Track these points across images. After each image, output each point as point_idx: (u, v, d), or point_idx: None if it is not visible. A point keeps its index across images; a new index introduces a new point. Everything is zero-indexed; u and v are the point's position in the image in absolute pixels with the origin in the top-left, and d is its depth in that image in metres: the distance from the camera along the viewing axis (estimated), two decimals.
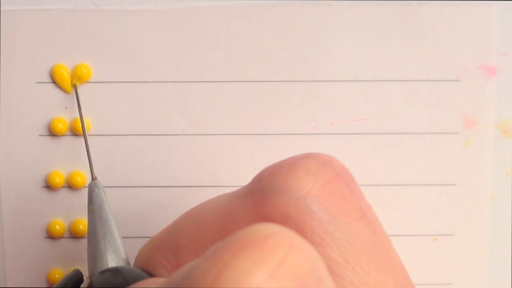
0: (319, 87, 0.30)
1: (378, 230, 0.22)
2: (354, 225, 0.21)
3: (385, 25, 0.30)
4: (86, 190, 0.27)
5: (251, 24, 0.29)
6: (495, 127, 0.30)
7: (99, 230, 0.25)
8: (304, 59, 0.30)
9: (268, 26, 0.30)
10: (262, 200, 0.21)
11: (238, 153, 0.30)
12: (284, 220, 0.21)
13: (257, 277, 0.17)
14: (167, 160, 0.30)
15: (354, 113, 0.30)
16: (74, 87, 0.30)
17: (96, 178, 0.27)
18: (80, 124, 0.29)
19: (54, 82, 0.30)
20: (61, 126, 0.30)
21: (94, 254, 0.25)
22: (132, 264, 0.25)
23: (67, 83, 0.30)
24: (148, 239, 0.25)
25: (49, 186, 0.30)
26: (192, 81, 0.30)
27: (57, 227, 0.30)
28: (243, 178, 0.29)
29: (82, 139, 0.29)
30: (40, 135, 0.30)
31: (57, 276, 0.31)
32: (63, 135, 0.30)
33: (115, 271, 0.24)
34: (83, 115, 0.29)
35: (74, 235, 0.30)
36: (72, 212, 0.30)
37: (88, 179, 0.30)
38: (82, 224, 0.30)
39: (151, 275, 0.23)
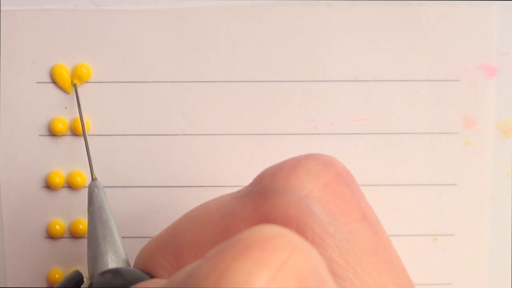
0: (319, 87, 0.30)
1: (379, 231, 0.22)
2: (355, 226, 0.21)
3: (385, 25, 0.30)
4: (86, 190, 0.27)
5: (251, 24, 0.29)
6: (495, 127, 0.30)
7: (99, 231, 0.25)
8: (304, 59, 0.30)
9: (268, 26, 0.30)
10: (263, 201, 0.21)
11: (238, 153, 0.30)
12: (285, 221, 0.21)
13: (259, 279, 0.17)
14: (167, 160, 0.30)
15: (354, 113, 0.30)
16: (74, 87, 0.30)
17: (96, 179, 0.27)
18: (80, 124, 0.29)
19: (54, 82, 0.30)
20: (61, 126, 0.30)
21: (94, 255, 0.25)
22: (132, 265, 0.25)
23: (67, 83, 0.30)
24: (148, 239, 0.25)
25: (49, 186, 0.30)
26: (192, 81, 0.30)
27: (57, 227, 0.30)
28: (243, 178, 0.29)
29: (82, 139, 0.29)
30: (40, 135, 0.30)
31: (57, 276, 0.30)
32: (63, 135, 0.30)
33: (115, 272, 0.24)
34: (83, 115, 0.29)
35: (74, 235, 0.30)
36: (72, 212, 0.30)
37: (88, 179, 0.30)
38: (82, 224, 0.30)
39: (151, 276, 0.23)
